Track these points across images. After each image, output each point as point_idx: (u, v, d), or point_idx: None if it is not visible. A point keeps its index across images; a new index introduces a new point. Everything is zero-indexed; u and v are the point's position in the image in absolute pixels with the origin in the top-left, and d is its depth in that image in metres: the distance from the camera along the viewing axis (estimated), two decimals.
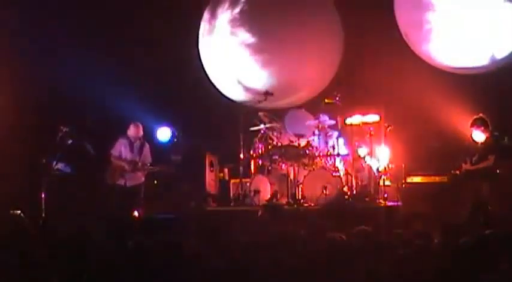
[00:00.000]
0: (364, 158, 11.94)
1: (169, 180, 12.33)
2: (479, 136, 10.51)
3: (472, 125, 10.33)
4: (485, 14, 11.64)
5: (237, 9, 13.17)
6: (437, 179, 11.34)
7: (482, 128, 10.25)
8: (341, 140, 12.08)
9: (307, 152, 12.02)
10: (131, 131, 11.49)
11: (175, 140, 12.99)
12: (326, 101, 12.15)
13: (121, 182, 11.26)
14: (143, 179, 11.53)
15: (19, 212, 10.77)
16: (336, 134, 12.10)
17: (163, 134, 13.02)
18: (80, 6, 12.54)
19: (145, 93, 12.71)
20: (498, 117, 11.84)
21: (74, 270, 5.46)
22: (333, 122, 12.19)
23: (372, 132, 11.88)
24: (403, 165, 11.72)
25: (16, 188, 11.84)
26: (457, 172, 10.34)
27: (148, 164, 11.41)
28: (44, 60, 12.44)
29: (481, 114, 10.36)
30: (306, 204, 11.48)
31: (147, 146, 11.59)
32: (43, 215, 10.77)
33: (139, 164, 11.32)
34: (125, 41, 12.83)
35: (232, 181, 12.85)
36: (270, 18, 12.96)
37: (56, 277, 5.44)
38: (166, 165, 11.74)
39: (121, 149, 11.43)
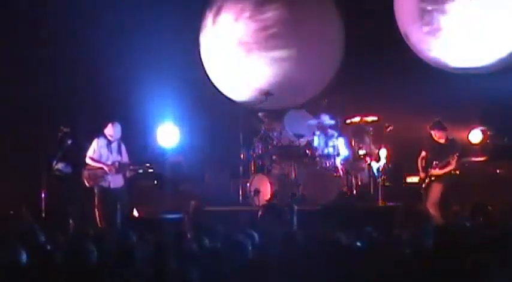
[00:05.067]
0: (364, 158, 11.95)
1: (169, 180, 12.32)
2: (477, 135, 11.47)
3: (433, 128, 10.54)
4: (486, 13, 11.63)
5: (237, 9, 13.17)
6: None
7: (443, 130, 10.50)
8: (341, 140, 12.07)
9: (307, 152, 12.02)
10: (112, 130, 11.03)
11: (176, 139, 12.99)
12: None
13: (104, 184, 10.91)
14: (123, 182, 11.11)
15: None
16: (336, 134, 12.10)
17: (164, 134, 13.01)
18: (80, 7, 12.53)
19: (146, 94, 12.69)
20: (498, 118, 11.91)
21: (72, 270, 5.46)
22: (333, 122, 12.20)
23: (371, 132, 11.89)
24: (403, 165, 11.72)
25: (16, 188, 11.84)
26: (427, 178, 10.46)
27: (131, 166, 11.09)
28: (44, 60, 12.43)
29: (438, 119, 10.63)
30: (306, 204, 11.47)
31: (123, 146, 11.17)
32: (43, 215, 10.77)
33: (125, 164, 11.02)
34: (125, 41, 12.82)
35: (232, 181, 12.84)
36: (269, 18, 12.95)
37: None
38: (164, 164, 11.60)
39: (100, 150, 11.00)
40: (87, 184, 10.96)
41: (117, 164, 10.94)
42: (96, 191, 10.89)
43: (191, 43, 13.42)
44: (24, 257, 5.66)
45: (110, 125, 11.06)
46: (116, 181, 11.00)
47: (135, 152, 11.70)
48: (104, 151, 11.01)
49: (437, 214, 10.13)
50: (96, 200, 10.83)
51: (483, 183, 11.28)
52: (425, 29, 12.05)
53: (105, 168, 10.88)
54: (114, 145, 11.07)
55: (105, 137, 11.06)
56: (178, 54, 13.05)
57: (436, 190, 10.34)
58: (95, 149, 11.01)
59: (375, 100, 12.21)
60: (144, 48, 12.91)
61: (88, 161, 10.99)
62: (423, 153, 10.61)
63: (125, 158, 11.11)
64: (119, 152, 11.08)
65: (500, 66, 11.80)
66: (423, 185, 10.49)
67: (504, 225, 8.06)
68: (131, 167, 11.09)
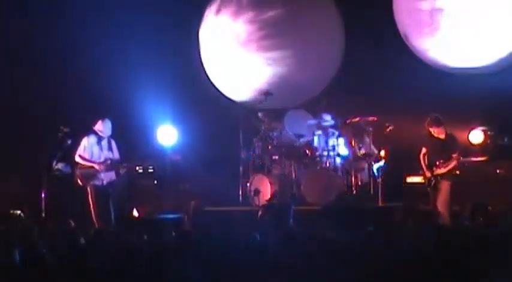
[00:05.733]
0: (364, 158, 11.95)
1: (169, 180, 12.32)
2: (477, 135, 11.69)
3: (431, 125, 10.42)
4: (485, 14, 11.63)
5: (237, 9, 13.16)
6: None
7: (441, 125, 10.41)
8: (341, 140, 12.08)
9: (307, 152, 12.03)
10: (103, 127, 10.85)
11: (175, 139, 12.98)
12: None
13: (97, 182, 10.75)
14: (114, 177, 10.91)
15: (19, 212, 10.81)
16: (336, 134, 12.10)
17: (164, 133, 13.01)
18: (81, 7, 12.55)
19: (145, 94, 12.68)
20: (498, 118, 11.91)
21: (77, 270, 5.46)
22: (333, 122, 12.20)
23: (371, 132, 11.89)
24: (403, 165, 11.72)
25: (16, 188, 11.83)
26: (432, 178, 10.41)
27: (124, 163, 10.94)
28: (44, 60, 12.44)
29: (436, 114, 10.51)
30: (306, 204, 11.48)
31: (114, 143, 10.98)
32: (43, 215, 10.76)
33: (117, 162, 10.84)
34: (125, 41, 12.83)
35: (232, 181, 12.83)
36: (269, 18, 12.95)
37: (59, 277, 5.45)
38: (163, 164, 11.54)
39: (91, 148, 10.81)
40: (80, 183, 10.86)
41: (108, 161, 10.84)
42: (89, 190, 10.79)
43: (191, 43, 13.42)
44: (20, 257, 5.67)
45: (100, 122, 10.89)
46: (108, 178, 10.84)
47: (135, 151, 11.69)
48: (95, 149, 10.84)
49: (446, 213, 10.09)
50: (90, 199, 10.75)
51: (483, 183, 11.28)
52: (425, 29, 12.04)
53: (96, 166, 10.75)
54: (105, 142, 10.90)
55: (95, 134, 10.89)
56: (178, 54, 13.06)
57: (445, 189, 10.28)
58: (85, 147, 10.83)
59: (375, 100, 12.21)
60: (145, 49, 12.92)
61: (77, 159, 10.82)
62: (424, 150, 10.56)
63: (116, 155, 10.94)
64: (110, 149, 10.91)
65: (500, 66, 11.80)
66: (431, 184, 10.41)
67: (504, 225, 8.06)
68: (124, 164, 10.96)
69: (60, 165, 11.09)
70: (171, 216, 11.00)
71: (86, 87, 12.66)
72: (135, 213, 11.50)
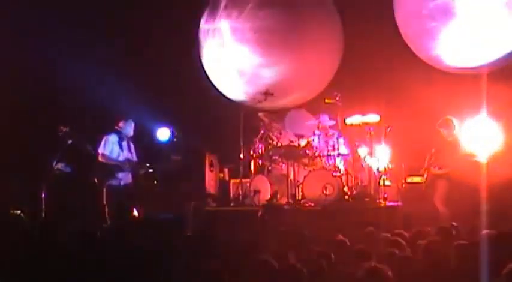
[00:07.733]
0: (364, 158, 11.95)
1: (169, 180, 12.32)
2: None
3: (441, 126, 10.53)
4: (485, 14, 11.63)
5: (237, 9, 13.18)
6: None
7: (450, 129, 10.48)
8: (341, 140, 12.08)
9: (307, 152, 12.04)
10: (127, 128, 10.94)
11: (175, 140, 12.99)
12: (326, 101, 12.19)
13: (115, 182, 10.77)
14: (131, 179, 10.99)
15: (19, 212, 10.82)
16: (336, 134, 12.10)
17: (163, 134, 13.02)
18: (82, 7, 12.56)
19: (145, 94, 12.70)
20: (497, 117, 11.91)
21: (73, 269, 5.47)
22: (333, 122, 12.20)
23: (371, 132, 11.88)
24: (403, 165, 11.72)
25: (16, 188, 11.84)
26: (427, 177, 10.42)
27: (141, 165, 10.98)
28: (45, 60, 12.45)
29: (448, 116, 10.58)
30: (306, 205, 11.49)
31: (132, 145, 11.06)
32: (43, 215, 10.76)
33: (136, 164, 10.90)
34: (125, 42, 12.85)
35: (232, 181, 12.86)
36: (269, 18, 12.96)
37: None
38: (164, 164, 11.56)
39: (111, 146, 10.82)
40: (96, 181, 10.83)
41: (127, 162, 10.83)
42: (104, 189, 10.74)
43: (191, 42, 13.44)
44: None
45: (122, 121, 10.97)
46: (126, 180, 10.89)
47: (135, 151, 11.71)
48: (115, 147, 10.86)
49: (444, 210, 10.11)
50: (104, 199, 10.71)
51: (483, 184, 11.27)
52: (425, 29, 12.05)
53: (120, 165, 10.76)
54: (125, 143, 10.93)
55: (116, 133, 10.91)
56: (178, 54, 13.07)
57: (442, 187, 10.30)
58: (105, 144, 10.83)
59: (375, 100, 12.22)
60: (144, 49, 12.93)
61: (100, 158, 10.81)
62: (433, 150, 10.61)
63: (135, 157, 11.01)
64: (129, 149, 10.96)
65: (499, 66, 11.81)
66: (425, 181, 10.43)
67: (503, 225, 8.06)
68: (143, 167, 10.96)
69: (60, 165, 11.09)
70: (171, 216, 11.01)
71: (86, 86, 12.67)
72: (135, 213, 11.51)
